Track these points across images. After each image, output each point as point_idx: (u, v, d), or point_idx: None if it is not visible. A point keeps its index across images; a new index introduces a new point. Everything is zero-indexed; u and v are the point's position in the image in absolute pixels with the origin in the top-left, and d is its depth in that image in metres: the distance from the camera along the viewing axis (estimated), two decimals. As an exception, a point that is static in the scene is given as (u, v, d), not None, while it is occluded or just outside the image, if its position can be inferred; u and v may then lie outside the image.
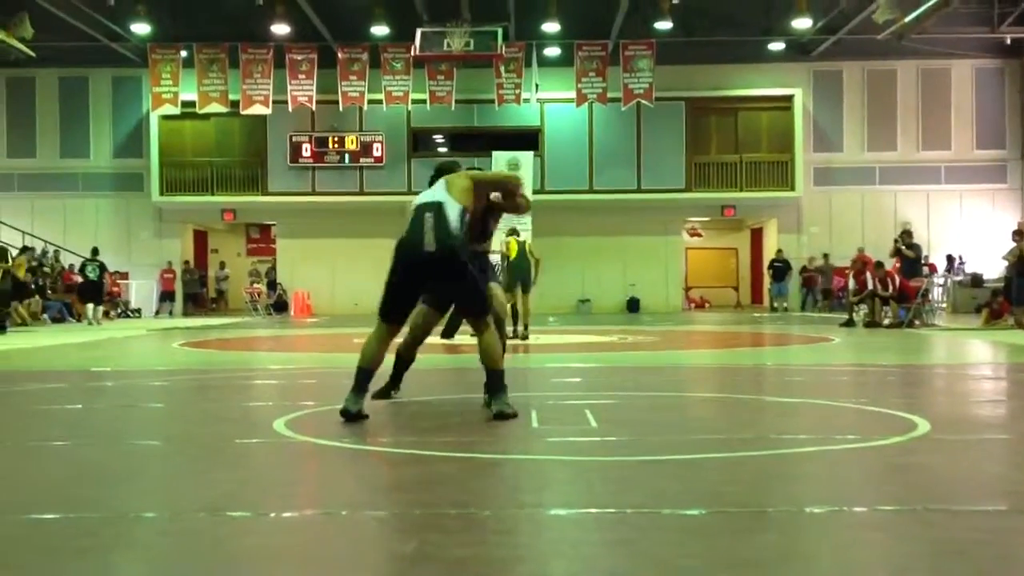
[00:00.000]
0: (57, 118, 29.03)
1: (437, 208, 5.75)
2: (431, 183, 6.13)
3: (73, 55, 27.51)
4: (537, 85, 26.65)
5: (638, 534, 3.26)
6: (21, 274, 21.98)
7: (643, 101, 26.80)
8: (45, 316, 23.16)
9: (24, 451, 5.08)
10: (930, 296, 18.97)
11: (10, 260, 19.79)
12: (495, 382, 5.90)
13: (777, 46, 28.00)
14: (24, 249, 24.95)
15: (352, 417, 5.68)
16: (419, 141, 29.18)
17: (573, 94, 26.83)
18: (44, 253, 26.70)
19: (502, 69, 26.29)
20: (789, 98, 28.52)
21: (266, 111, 27.05)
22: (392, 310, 5.89)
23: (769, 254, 29.35)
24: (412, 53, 25.14)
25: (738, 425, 5.94)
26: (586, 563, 2.97)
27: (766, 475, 4.32)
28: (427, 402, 6.94)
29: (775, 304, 27.67)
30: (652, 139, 28.35)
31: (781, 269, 27.86)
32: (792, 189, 28.43)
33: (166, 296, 28.79)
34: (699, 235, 34.05)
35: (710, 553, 3.04)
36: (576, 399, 7.02)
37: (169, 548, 3.22)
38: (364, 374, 5.79)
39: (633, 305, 28.97)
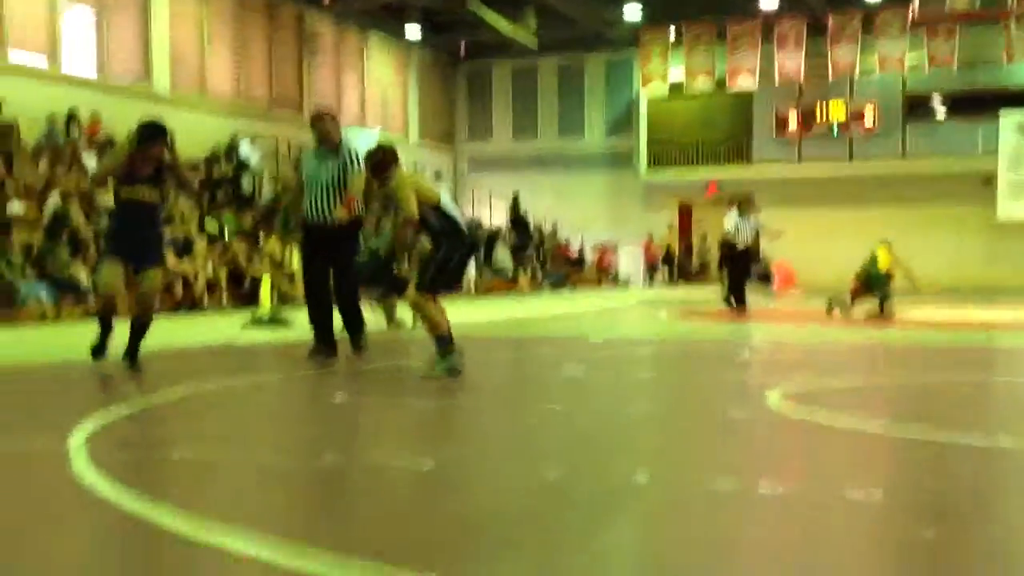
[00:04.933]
0: (556, 102, 31.04)
1: None
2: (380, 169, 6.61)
3: (571, 43, 29.19)
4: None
5: None
6: None
7: None
8: (545, 283, 24.94)
9: (529, 414, 5.43)
10: None
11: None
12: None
13: None
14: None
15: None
16: (914, 106, 27.44)
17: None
18: (538, 228, 28.67)
19: (1011, 25, 23.90)
20: None
21: (752, 86, 26.89)
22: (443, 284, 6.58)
23: None
24: (910, 16, 23.66)
25: None
26: None
27: None
28: (903, 384, 6.46)
29: None
30: None
31: None
32: None
33: (651, 267, 29.76)
34: None
35: None
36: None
37: (658, 516, 3.24)
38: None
39: None
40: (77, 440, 4.16)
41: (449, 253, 6.51)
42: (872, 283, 13.36)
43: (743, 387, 6.57)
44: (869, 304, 13.24)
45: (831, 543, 2.88)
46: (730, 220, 15.16)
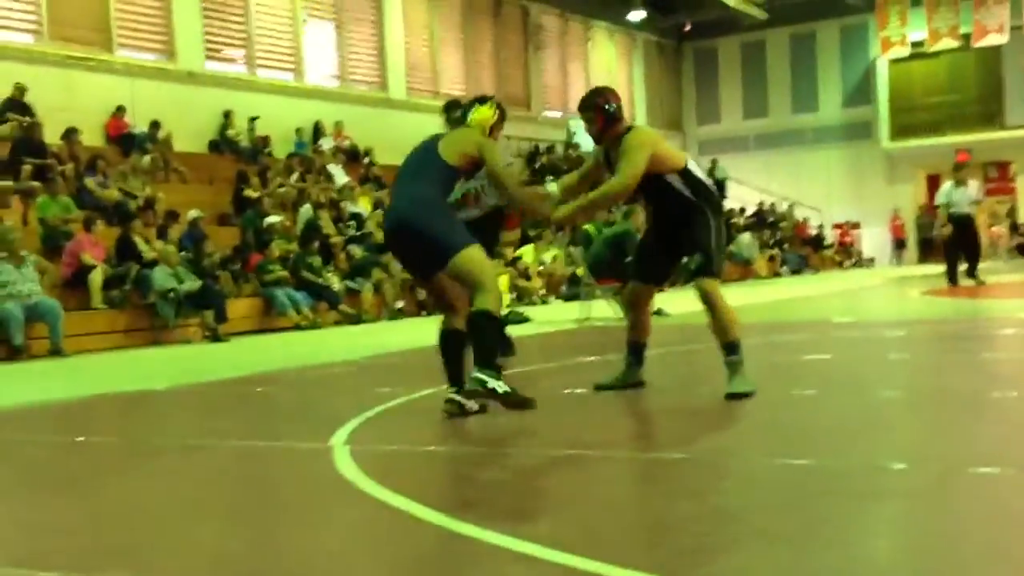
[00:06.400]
0: (788, 76, 30.06)
1: None
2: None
3: (801, 11, 28.21)
4: None
5: None
6: None
7: None
8: (784, 267, 24.27)
9: (779, 400, 5.29)
10: None
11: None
12: None
13: None
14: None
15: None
16: None
17: None
18: (772, 208, 27.84)
19: None
20: None
21: (1002, 40, 25.17)
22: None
23: None
24: None
25: None
26: None
27: None
28: None
29: None
30: None
31: None
32: None
33: (898, 244, 28.43)
34: None
35: None
36: None
37: (919, 505, 3.08)
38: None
39: None
40: (340, 437, 4.40)
41: (720, 224, 5.33)
42: None
43: (1006, 366, 6.17)
44: None
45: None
46: (942, 192, 14.50)
